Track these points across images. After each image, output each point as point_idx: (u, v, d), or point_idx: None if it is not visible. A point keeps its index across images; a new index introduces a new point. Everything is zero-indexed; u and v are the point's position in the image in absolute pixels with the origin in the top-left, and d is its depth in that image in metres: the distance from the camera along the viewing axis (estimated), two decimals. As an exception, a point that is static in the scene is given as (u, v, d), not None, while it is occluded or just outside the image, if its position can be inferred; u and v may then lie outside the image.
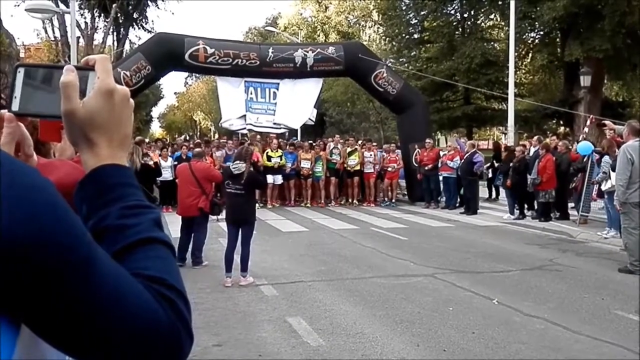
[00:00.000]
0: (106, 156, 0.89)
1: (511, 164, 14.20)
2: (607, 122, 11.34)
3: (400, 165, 17.76)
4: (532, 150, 14.67)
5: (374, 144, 19.72)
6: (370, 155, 17.66)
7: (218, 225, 10.99)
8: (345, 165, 17.39)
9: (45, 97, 0.89)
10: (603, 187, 11.20)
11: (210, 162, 14.03)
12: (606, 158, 10.97)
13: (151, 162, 14.46)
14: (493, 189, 18.29)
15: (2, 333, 0.70)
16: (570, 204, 13.87)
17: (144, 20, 33.92)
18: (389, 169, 17.63)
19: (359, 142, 19.63)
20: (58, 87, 0.86)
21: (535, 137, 15.77)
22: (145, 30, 33.61)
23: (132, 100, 0.93)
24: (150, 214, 0.89)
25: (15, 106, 0.89)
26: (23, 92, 0.89)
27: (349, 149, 17.61)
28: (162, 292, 0.81)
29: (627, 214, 8.66)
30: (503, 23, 27.45)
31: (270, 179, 15.98)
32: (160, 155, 15.97)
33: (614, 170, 9.41)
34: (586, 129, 14.52)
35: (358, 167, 17.42)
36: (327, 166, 17.27)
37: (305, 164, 17.00)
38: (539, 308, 6.65)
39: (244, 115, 18.08)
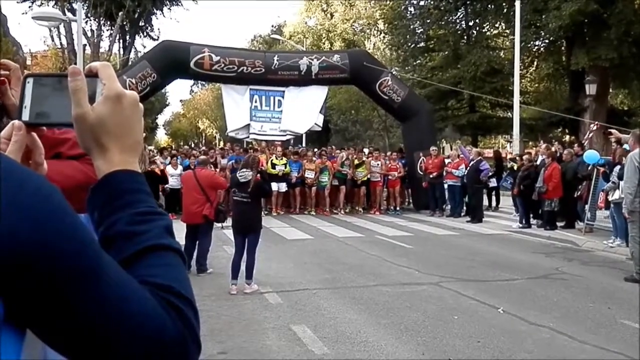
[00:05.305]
0: (118, 162, 0.89)
1: (519, 173, 14.17)
2: (613, 130, 11.29)
3: (401, 173, 17.74)
4: (540, 158, 14.60)
5: (380, 152, 19.68)
6: (378, 164, 17.67)
7: (223, 233, 11.00)
8: (353, 177, 17.39)
9: (55, 106, 0.89)
10: (610, 198, 11.13)
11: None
12: (617, 168, 10.86)
13: (157, 170, 14.51)
14: (493, 198, 18.25)
15: (8, 338, 0.70)
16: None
17: (149, 28, 34.14)
18: (390, 176, 17.64)
19: (365, 150, 19.58)
20: (67, 96, 0.86)
21: (544, 145, 15.68)
22: (151, 38, 33.84)
23: (141, 105, 0.93)
24: (161, 220, 0.89)
25: (25, 116, 0.89)
26: (33, 101, 0.89)
27: (356, 162, 17.59)
28: (169, 300, 0.80)
29: (634, 223, 8.61)
30: (508, 31, 27.39)
31: (274, 186, 15.99)
32: (170, 163, 16.07)
33: (621, 180, 9.35)
34: (590, 134, 14.32)
35: (366, 179, 17.46)
36: (334, 175, 17.25)
37: (310, 174, 17.00)
38: (544, 317, 6.62)
39: (248, 125, 18.14)
